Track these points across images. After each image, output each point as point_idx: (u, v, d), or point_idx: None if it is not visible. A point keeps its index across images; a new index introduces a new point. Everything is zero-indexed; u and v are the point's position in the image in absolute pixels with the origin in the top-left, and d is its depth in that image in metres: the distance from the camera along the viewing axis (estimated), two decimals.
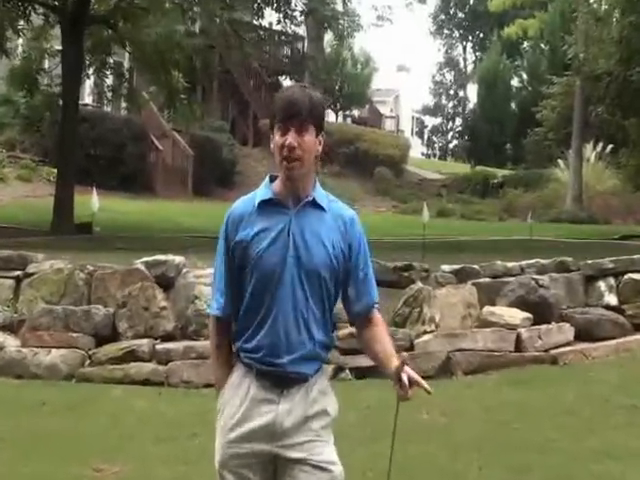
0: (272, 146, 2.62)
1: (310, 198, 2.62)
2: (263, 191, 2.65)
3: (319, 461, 2.61)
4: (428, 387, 2.57)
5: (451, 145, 57.75)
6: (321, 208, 2.63)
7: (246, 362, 2.63)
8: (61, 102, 14.01)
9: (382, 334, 2.71)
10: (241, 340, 2.65)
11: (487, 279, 8.16)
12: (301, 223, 2.59)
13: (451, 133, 58.24)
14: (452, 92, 58.46)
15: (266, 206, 2.62)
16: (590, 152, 25.13)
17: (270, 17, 18.94)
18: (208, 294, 7.11)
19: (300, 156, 2.55)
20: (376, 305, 2.74)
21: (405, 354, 2.59)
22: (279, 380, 2.60)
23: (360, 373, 6.91)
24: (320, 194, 2.65)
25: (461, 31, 57.58)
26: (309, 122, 2.56)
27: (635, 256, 8.80)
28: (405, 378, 2.54)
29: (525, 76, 44.56)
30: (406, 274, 7.86)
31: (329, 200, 2.67)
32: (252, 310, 2.62)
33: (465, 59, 58.83)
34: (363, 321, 2.72)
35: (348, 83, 38.69)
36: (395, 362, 2.58)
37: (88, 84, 18.42)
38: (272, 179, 2.68)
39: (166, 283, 7.36)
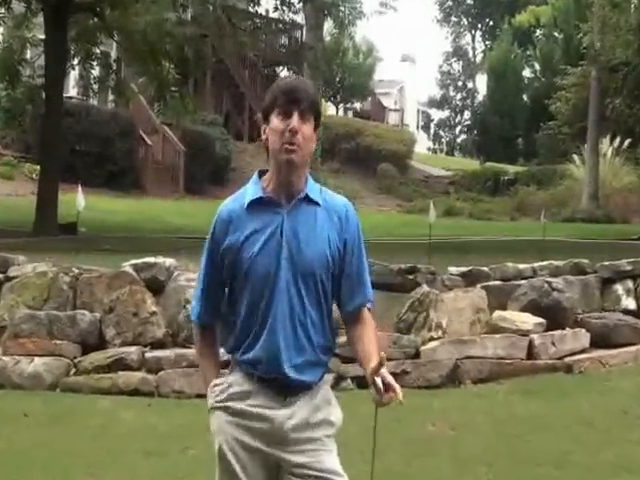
0: (264, 136, 2.63)
1: (303, 194, 2.62)
2: (252, 189, 2.65)
3: (323, 469, 2.63)
4: (401, 396, 2.52)
5: (459, 140, 57.82)
6: (315, 203, 2.63)
7: (246, 371, 2.66)
8: (44, 94, 14.00)
9: (368, 334, 2.69)
10: (239, 352, 2.66)
11: (497, 282, 8.17)
12: (294, 222, 2.59)
13: (459, 127, 58.32)
14: (460, 83, 58.53)
15: (256, 206, 2.62)
16: (607, 147, 25.14)
17: (266, 4, 18.97)
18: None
19: (300, 143, 2.56)
20: (369, 305, 2.74)
21: (383, 353, 2.54)
22: (281, 388, 2.62)
23: (362, 382, 6.90)
24: (313, 188, 2.65)
25: (470, 19, 57.63)
26: (310, 112, 2.59)
27: None
28: (379, 381, 2.50)
29: (538, 66, 44.62)
30: (411, 277, 7.87)
31: (322, 193, 2.67)
32: (248, 319, 2.62)
33: (474, 48, 58.90)
34: (353, 319, 2.72)
35: (349, 74, 38.77)
36: (373, 363, 2.55)
37: (73, 75, 18.41)
38: (261, 175, 2.68)
39: (156, 287, 7.36)
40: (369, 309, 2.75)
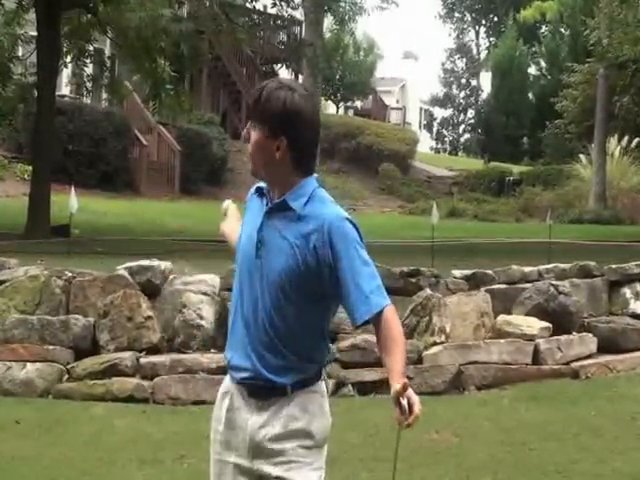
0: None
1: (281, 199, 2.63)
2: None
3: None
4: (411, 421, 2.46)
5: (462, 139, 57.82)
6: (291, 210, 2.61)
7: (229, 371, 2.74)
8: (36, 93, 14.00)
9: (391, 342, 2.59)
10: (226, 347, 2.77)
11: (502, 285, 8.17)
12: (271, 225, 2.64)
13: (462, 126, 58.31)
14: (464, 81, 58.53)
15: (259, 195, 2.74)
16: (614, 146, 25.16)
17: (264, 0, 18.98)
18: (197, 302, 7.12)
19: (251, 154, 2.67)
20: (381, 311, 2.60)
21: (407, 381, 2.49)
22: (254, 390, 2.65)
23: (363, 389, 6.91)
24: (297, 194, 2.62)
25: (473, 14, 57.68)
26: (257, 120, 2.62)
27: None
28: (405, 403, 2.46)
29: (543, 63, 44.66)
30: (414, 280, 7.86)
31: (310, 201, 2.62)
32: (232, 310, 2.74)
33: (478, 45, 58.95)
34: (374, 326, 2.63)
35: (350, 71, 38.77)
36: (396, 384, 2.47)
37: (66, 73, 18.43)
38: None
39: (151, 291, 7.36)
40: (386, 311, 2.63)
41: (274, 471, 2.61)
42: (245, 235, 2.71)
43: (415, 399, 2.48)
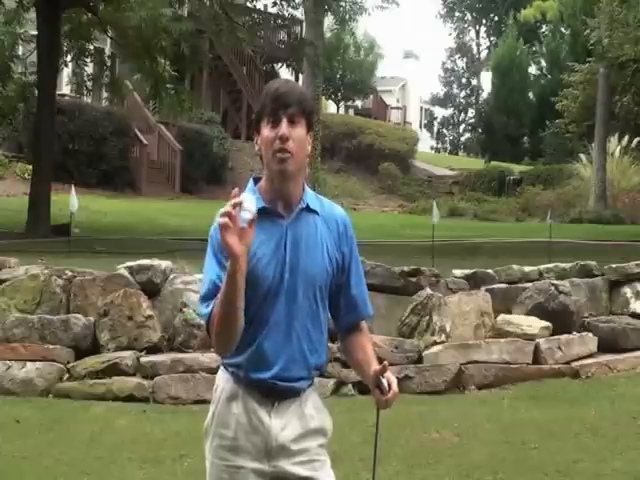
0: (257, 147, 2.61)
1: (304, 204, 2.63)
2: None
3: None
4: (390, 397, 2.58)
5: (463, 138, 57.85)
6: (314, 212, 2.65)
7: (233, 373, 2.66)
8: (36, 92, 14.01)
9: (366, 343, 2.77)
10: (228, 355, 2.66)
11: (502, 285, 8.17)
12: (296, 234, 2.61)
13: (463, 125, 58.38)
14: (464, 81, 58.58)
15: (258, 215, 2.57)
16: (615, 146, 25.16)
17: None
18: (197, 302, 7.10)
19: (293, 150, 2.53)
20: (370, 317, 2.81)
21: (386, 362, 2.63)
22: (269, 391, 2.63)
23: (363, 388, 6.91)
24: (311, 196, 2.67)
25: (474, 14, 57.68)
26: (300, 115, 2.57)
27: None
28: (385, 382, 2.58)
29: (544, 63, 44.68)
30: (414, 279, 7.87)
31: (319, 201, 2.69)
32: (244, 325, 2.61)
33: (478, 44, 58.95)
34: (352, 330, 2.78)
35: (350, 71, 38.77)
36: (375, 366, 2.63)
37: (66, 72, 18.41)
38: (256, 181, 2.68)
39: (151, 290, 7.36)
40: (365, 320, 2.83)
41: (301, 471, 2.62)
42: (264, 257, 2.56)
43: (394, 379, 2.61)
